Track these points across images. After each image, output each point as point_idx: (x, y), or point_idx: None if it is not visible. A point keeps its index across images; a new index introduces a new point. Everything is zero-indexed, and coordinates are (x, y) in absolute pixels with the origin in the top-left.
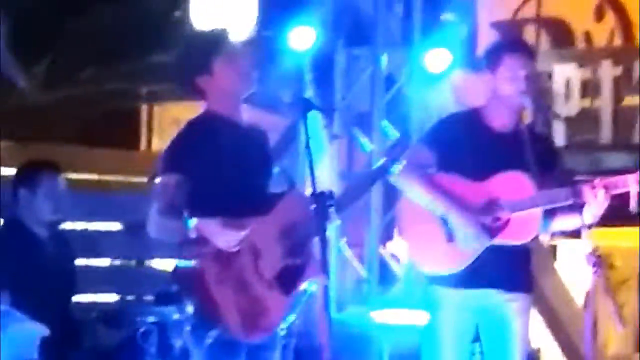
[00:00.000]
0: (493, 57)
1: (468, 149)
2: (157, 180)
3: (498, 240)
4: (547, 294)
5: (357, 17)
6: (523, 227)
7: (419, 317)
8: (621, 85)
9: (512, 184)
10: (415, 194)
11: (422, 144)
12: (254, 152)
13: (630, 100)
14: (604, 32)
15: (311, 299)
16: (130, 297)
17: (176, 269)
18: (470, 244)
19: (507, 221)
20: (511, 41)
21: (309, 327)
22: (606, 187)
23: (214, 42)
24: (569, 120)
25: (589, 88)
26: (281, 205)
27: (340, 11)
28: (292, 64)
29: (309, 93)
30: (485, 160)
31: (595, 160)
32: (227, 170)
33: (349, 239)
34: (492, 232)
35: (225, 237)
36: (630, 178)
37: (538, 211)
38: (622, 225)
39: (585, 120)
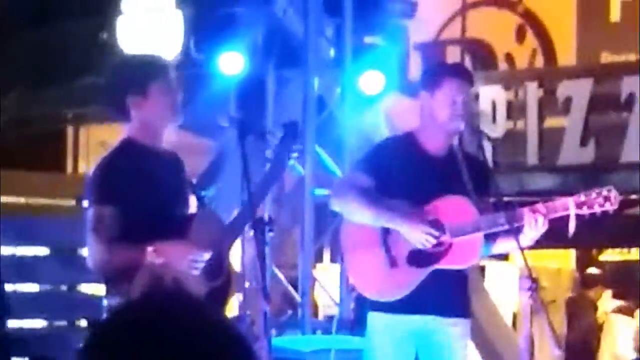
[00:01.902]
0: (432, 79)
1: (406, 173)
2: (90, 211)
3: (441, 266)
4: (477, 314)
5: (288, 40)
6: (465, 251)
7: (353, 343)
8: (545, 107)
9: (453, 209)
10: (358, 213)
11: (360, 168)
12: (173, 178)
13: (554, 121)
14: (526, 53)
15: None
16: (60, 323)
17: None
18: (429, 242)
19: (450, 246)
20: (451, 65)
21: None
22: (546, 212)
23: (152, 65)
24: (495, 142)
25: (514, 110)
26: (195, 228)
27: (270, 34)
28: (223, 88)
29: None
30: (424, 184)
31: (522, 181)
32: (150, 197)
33: (278, 261)
34: (434, 257)
35: (190, 256)
36: (570, 202)
37: (479, 235)
38: (550, 246)
39: (511, 141)
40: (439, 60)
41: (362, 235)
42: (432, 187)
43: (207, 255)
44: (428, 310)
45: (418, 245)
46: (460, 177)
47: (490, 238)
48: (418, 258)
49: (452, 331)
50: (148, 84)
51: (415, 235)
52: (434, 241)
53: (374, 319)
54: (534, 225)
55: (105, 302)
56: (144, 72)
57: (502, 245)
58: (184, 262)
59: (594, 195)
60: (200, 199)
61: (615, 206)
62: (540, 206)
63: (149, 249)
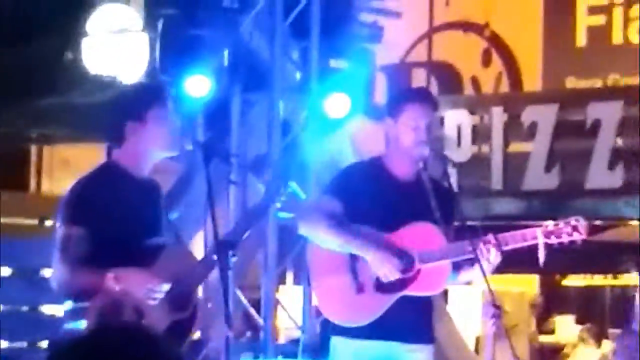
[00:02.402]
0: (395, 106)
1: (374, 198)
2: (60, 230)
3: (408, 292)
4: (440, 338)
5: (253, 63)
6: (433, 278)
7: None
8: (510, 132)
9: (420, 235)
10: (325, 238)
11: (328, 192)
12: (149, 207)
13: (519, 146)
14: (491, 77)
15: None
16: (21, 344)
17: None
18: (393, 275)
19: (417, 273)
20: (414, 91)
21: None
22: (497, 244)
23: (152, 92)
24: (460, 166)
25: (479, 134)
26: (162, 260)
27: (236, 56)
28: (188, 110)
29: (203, 139)
30: (392, 210)
31: (487, 206)
32: (123, 225)
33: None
34: (402, 284)
35: (149, 284)
36: (539, 232)
37: (446, 263)
38: (516, 272)
39: (476, 166)
40: (404, 85)
41: (329, 259)
42: (400, 213)
43: (165, 287)
44: (392, 336)
45: (381, 277)
46: (427, 202)
47: (457, 265)
48: (385, 284)
49: (416, 357)
50: (147, 110)
51: (380, 266)
52: (398, 275)
53: (338, 344)
54: (486, 257)
55: (65, 324)
56: (144, 98)
57: (468, 273)
58: (141, 290)
59: (562, 225)
60: (176, 232)
61: (584, 236)
62: (491, 237)
63: (109, 275)
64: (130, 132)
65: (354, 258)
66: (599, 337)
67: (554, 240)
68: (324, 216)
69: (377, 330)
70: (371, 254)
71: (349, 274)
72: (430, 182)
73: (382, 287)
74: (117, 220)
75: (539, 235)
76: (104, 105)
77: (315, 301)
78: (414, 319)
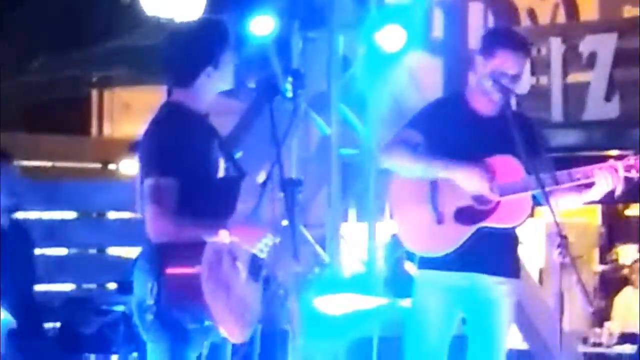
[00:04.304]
0: (488, 46)
1: (454, 132)
2: (148, 182)
3: (487, 224)
4: None
5: (311, 0)
6: (513, 211)
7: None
8: (569, 62)
9: (502, 168)
10: (408, 166)
11: (410, 127)
12: (213, 143)
13: (578, 77)
14: (548, 8)
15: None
16: (90, 286)
17: (169, 275)
18: (483, 187)
19: (497, 205)
20: (510, 36)
21: (273, 310)
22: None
23: (223, 33)
24: (519, 99)
25: (538, 66)
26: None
27: None
28: (251, 49)
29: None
30: (473, 144)
31: (546, 137)
32: (200, 166)
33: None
34: (481, 215)
35: (262, 238)
36: (620, 165)
37: (527, 195)
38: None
39: (535, 98)
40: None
41: (410, 191)
42: (481, 146)
43: (277, 239)
44: (476, 268)
45: (471, 190)
46: (510, 137)
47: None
48: (465, 215)
49: (500, 290)
50: (221, 54)
51: (468, 181)
52: (487, 185)
53: (421, 276)
54: (605, 183)
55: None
56: (217, 41)
57: (566, 200)
58: (256, 244)
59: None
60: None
61: None
62: (626, 160)
63: (223, 231)
64: (204, 75)
65: (434, 189)
66: None
67: (634, 174)
68: (405, 145)
69: (460, 261)
70: (458, 171)
71: (429, 204)
72: (514, 116)
73: (461, 217)
74: (196, 163)
75: (619, 168)
76: (170, 47)
77: (396, 232)
78: (496, 251)
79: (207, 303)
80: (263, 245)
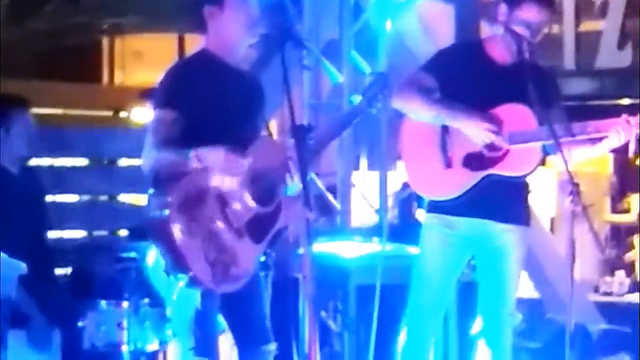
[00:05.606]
0: None
1: (468, 79)
2: (153, 114)
3: (496, 171)
4: None
5: None
6: (521, 159)
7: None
8: (581, 10)
9: (513, 116)
10: (419, 110)
11: (425, 71)
12: (244, 101)
13: (590, 25)
14: None
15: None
16: (101, 233)
17: (147, 219)
18: (488, 137)
19: (506, 152)
20: None
21: (285, 258)
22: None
23: None
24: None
25: None
26: (251, 151)
27: None
28: None
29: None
30: (487, 91)
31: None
32: (215, 112)
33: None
34: (490, 161)
35: (230, 163)
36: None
37: (537, 145)
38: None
39: (547, 46)
40: None
41: (420, 134)
42: (494, 94)
43: (246, 162)
44: (484, 214)
45: (477, 141)
46: (525, 86)
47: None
48: (473, 161)
49: (508, 237)
50: None
51: (475, 131)
52: (494, 137)
53: (429, 219)
54: (617, 136)
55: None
56: None
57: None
58: (222, 166)
59: None
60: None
61: None
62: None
63: (192, 152)
64: (209, 17)
65: (444, 133)
66: None
67: None
68: (418, 89)
69: (469, 207)
70: (465, 120)
71: (439, 148)
72: (531, 67)
73: (469, 163)
74: (210, 107)
75: (632, 123)
76: None
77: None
78: (506, 199)
79: (174, 246)
80: (230, 167)
